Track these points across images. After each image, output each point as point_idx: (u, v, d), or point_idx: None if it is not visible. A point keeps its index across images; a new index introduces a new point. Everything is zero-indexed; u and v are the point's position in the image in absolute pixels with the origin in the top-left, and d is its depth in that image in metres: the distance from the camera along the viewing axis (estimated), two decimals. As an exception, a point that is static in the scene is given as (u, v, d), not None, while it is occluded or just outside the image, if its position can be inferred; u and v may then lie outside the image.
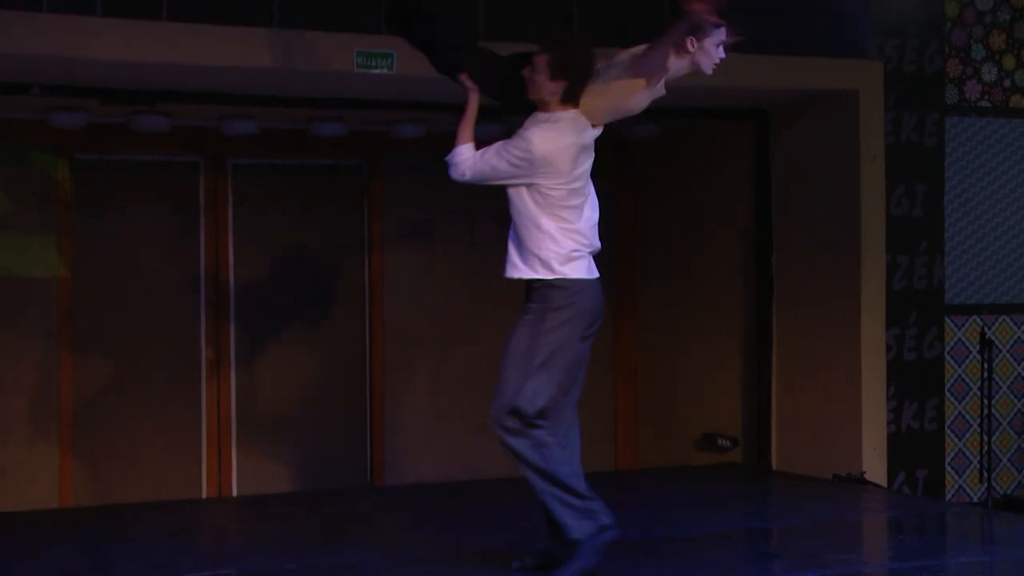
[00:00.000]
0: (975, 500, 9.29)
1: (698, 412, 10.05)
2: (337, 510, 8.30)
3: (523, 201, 5.89)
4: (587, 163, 5.93)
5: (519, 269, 5.92)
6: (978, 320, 9.35)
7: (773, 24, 9.54)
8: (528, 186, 5.86)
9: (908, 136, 9.11)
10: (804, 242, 9.27)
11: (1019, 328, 9.53)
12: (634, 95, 5.93)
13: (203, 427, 9.31)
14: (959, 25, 9.32)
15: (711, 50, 5.86)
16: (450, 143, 9.82)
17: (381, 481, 9.65)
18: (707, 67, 5.91)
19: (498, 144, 5.97)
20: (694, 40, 5.83)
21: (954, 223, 9.30)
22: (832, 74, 8.86)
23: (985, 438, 9.13)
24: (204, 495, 9.27)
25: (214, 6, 8.52)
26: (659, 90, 5.99)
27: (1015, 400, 9.53)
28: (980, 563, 6.60)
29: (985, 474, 9.10)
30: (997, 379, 9.32)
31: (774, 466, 9.40)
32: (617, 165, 10.27)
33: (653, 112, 8.64)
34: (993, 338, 9.27)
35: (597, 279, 5.97)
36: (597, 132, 5.98)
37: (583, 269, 5.90)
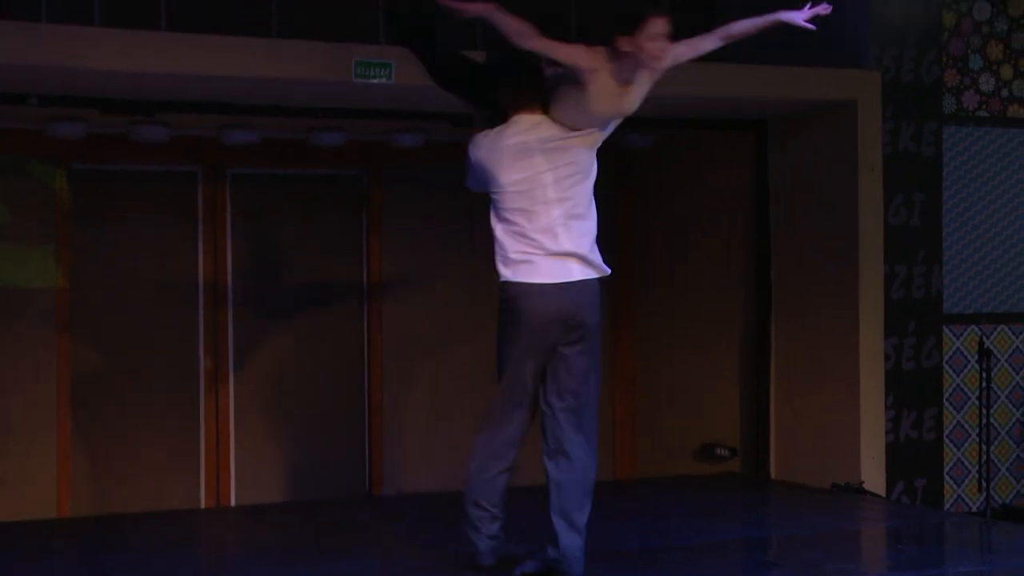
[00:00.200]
0: (974, 509, 9.29)
1: (697, 421, 10.05)
2: (335, 520, 8.29)
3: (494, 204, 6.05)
4: (534, 166, 5.92)
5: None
6: (976, 329, 9.36)
7: (771, 35, 9.57)
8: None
9: (906, 146, 9.12)
10: (803, 252, 9.28)
11: (1017, 337, 9.54)
12: (596, 102, 5.88)
13: (201, 436, 9.31)
14: (957, 35, 9.34)
15: (649, 45, 5.75)
16: (449, 152, 9.88)
17: (379, 491, 9.65)
18: (651, 63, 5.81)
19: None
20: (629, 41, 5.75)
21: (952, 232, 9.31)
22: (830, 84, 8.87)
23: (984, 447, 9.13)
24: (203, 505, 9.26)
25: (213, 16, 8.55)
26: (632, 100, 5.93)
27: (1013, 409, 9.53)
28: (979, 573, 6.60)
29: (984, 483, 9.10)
30: (995, 388, 9.33)
31: (773, 475, 9.39)
32: (616, 174, 10.28)
33: (652, 122, 8.69)
34: (991, 347, 9.28)
35: (555, 284, 5.85)
36: (565, 134, 5.93)
37: (529, 273, 5.84)
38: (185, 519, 8.57)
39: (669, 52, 5.79)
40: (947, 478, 9.30)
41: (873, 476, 8.85)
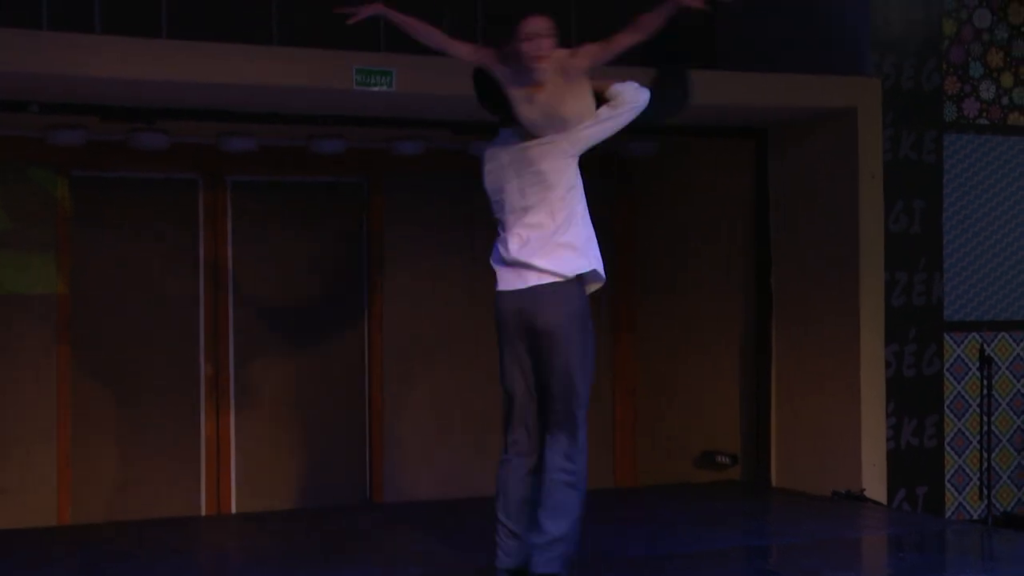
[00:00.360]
0: (975, 517, 9.28)
1: (697, 428, 10.05)
2: (336, 527, 8.29)
3: None
4: (503, 174, 6.02)
5: None
6: (977, 337, 9.36)
7: (772, 43, 9.60)
8: None
9: (906, 153, 9.12)
10: (804, 259, 9.28)
11: (1018, 345, 9.54)
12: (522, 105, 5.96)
13: (202, 443, 9.30)
14: (957, 43, 9.34)
15: (526, 45, 6.01)
16: (449, 160, 9.89)
17: (380, 498, 9.64)
18: (531, 63, 5.99)
19: None
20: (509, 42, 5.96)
21: (953, 240, 9.31)
22: (831, 92, 8.88)
23: (985, 455, 9.12)
24: (203, 512, 9.26)
25: (214, 24, 8.57)
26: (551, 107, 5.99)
27: (1015, 417, 9.53)
28: (980, 580, 6.60)
29: (985, 491, 9.09)
30: (996, 396, 9.32)
31: (773, 483, 9.39)
32: (618, 182, 10.30)
33: (653, 130, 8.68)
34: (992, 355, 9.27)
35: (510, 291, 5.96)
36: (529, 142, 6.00)
37: (498, 280, 6.05)
38: (186, 526, 8.57)
39: (548, 51, 6.00)
40: (948, 486, 9.30)
41: (874, 484, 8.85)
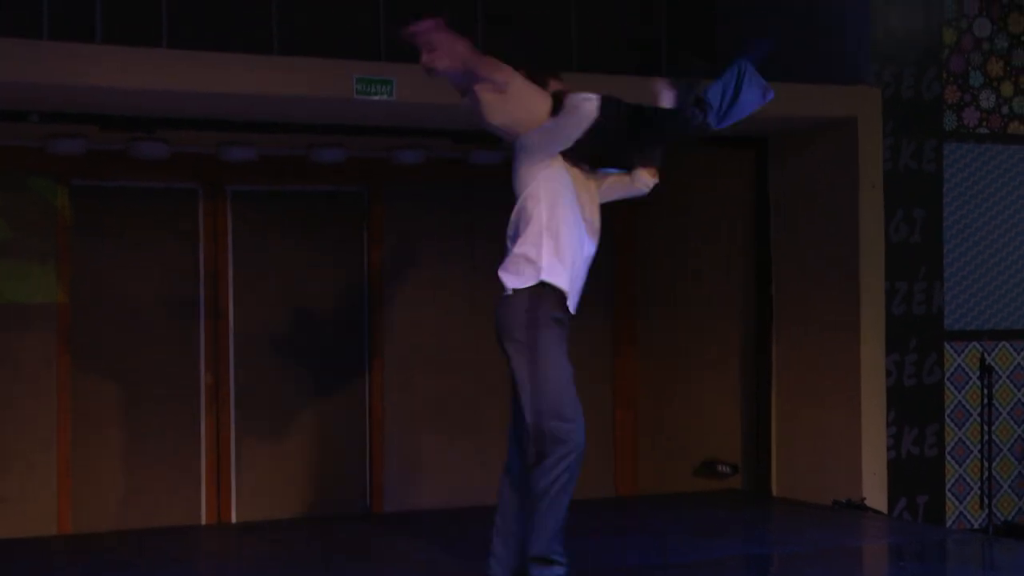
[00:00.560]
0: (976, 527, 9.27)
1: (698, 437, 10.04)
2: (336, 537, 8.28)
3: None
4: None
5: None
6: (978, 346, 9.35)
7: (772, 52, 9.59)
8: None
9: (906, 162, 9.12)
10: (804, 268, 9.28)
11: (1019, 354, 9.53)
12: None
13: (202, 453, 9.29)
14: (957, 52, 9.35)
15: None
16: (450, 169, 9.88)
17: (380, 508, 9.64)
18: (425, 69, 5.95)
19: None
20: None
21: (953, 249, 9.31)
22: (831, 101, 8.88)
23: (985, 464, 9.12)
24: (203, 521, 9.25)
25: (214, 33, 8.58)
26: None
27: (1015, 426, 9.52)
28: (981, 590, 6.59)
29: (986, 500, 9.08)
30: (997, 405, 9.32)
31: (774, 492, 9.38)
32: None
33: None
34: (993, 364, 9.27)
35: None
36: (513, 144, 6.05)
37: None
38: (186, 536, 8.56)
39: (438, 59, 5.86)
40: (949, 495, 9.29)
41: (875, 493, 8.84)
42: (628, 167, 6.22)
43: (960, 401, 9.32)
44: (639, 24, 10.03)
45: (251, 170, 9.19)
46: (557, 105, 5.98)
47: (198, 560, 7.82)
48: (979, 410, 9.20)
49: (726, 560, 7.28)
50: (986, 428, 9.10)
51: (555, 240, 5.85)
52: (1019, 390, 9.55)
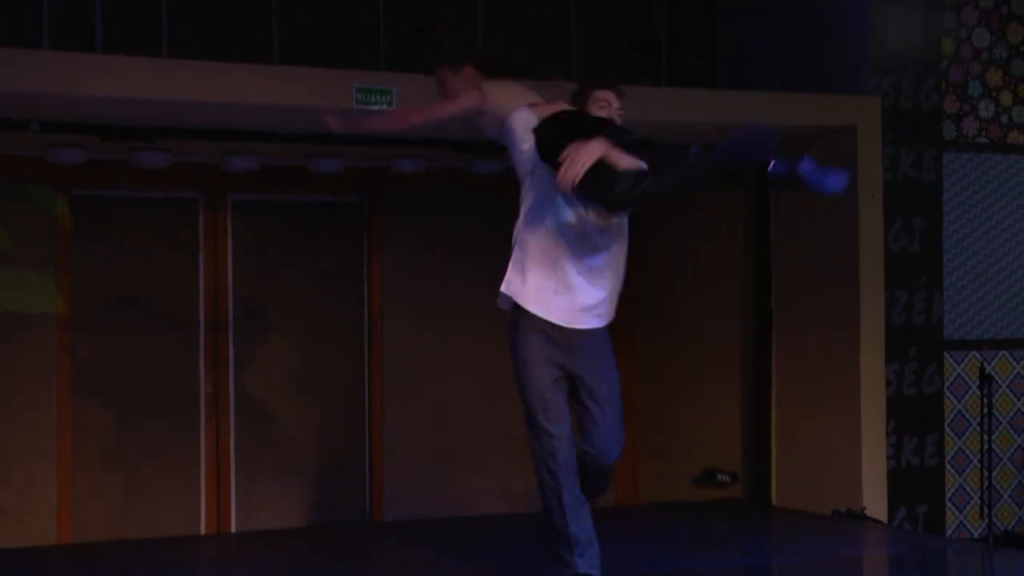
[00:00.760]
0: (976, 536, 9.27)
1: (697, 446, 10.03)
2: (336, 546, 8.27)
3: (623, 229, 5.98)
4: None
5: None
6: (977, 355, 9.35)
7: (772, 67, 9.63)
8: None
9: (906, 172, 9.13)
10: (803, 276, 9.28)
11: (1018, 363, 9.53)
12: None
13: (202, 462, 9.29)
14: (956, 62, 9.36)
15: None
16: (449, 179, 9.87)
17: (380, 517, 9.63)
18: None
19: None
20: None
21: (952, 258, 9.31)
22: (830, 110, 8.89)
23: (985, 474, 9.11)
24: (203, 531, 9.24)
25: (214, 43, 8.59)
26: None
27: (1015, 435, 9.51)
28: (981, 599, 6.59)
29: (986, 510, 9.07)
30: (997, 414, 9.31)
31: (774, 501, 9.37)
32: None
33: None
34: (992, 373, 9.27)
35: None
36: None
37: None
38: (186, 545, 8.55)
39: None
40: (949, 504, 9.28)
41: (875, 502, 8.83)
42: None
43: (960, 410, 9.32)
44: (639, 24, 10.05)
45: (251, 179, 9.20)
46: (580, 101, 5.94)
47: (198, 569, 7.81)
48: (979, 419, 9.20)
49: (726, 570, 7.27)
50: (986, 437, 9.10)
51: (522, 252, 5.82)
52: (1019, 399, 9.54)
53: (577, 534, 5.93)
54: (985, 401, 9.08)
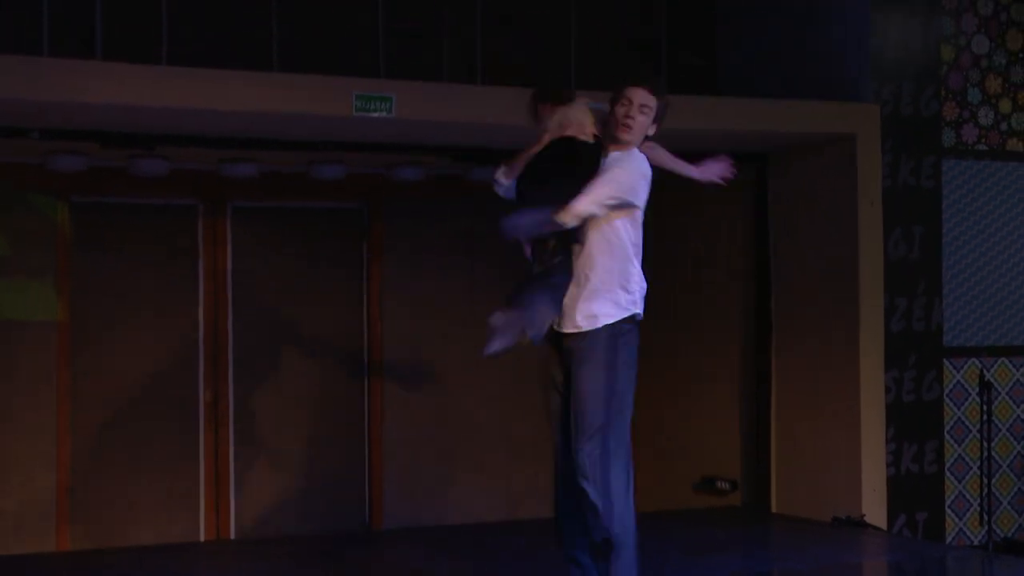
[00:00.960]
0: (976, 543, 9.26)
1: (697, 454, 10.03)
2: (335, 553, 8.27)
3: (619, 234, 5.88)
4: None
5: (603, 316, 5.88)
6: (977, 362, 9.35)
7: (771, 71, 9.64)
8: (622, 218, 5.86)
9: (905, 179, 9.14)
10: (802, 284, 9.28)
11: (1018, 370, 9.53)
12: None
13: (201, 469, 9.28)
14: (955, 69, 9.37)
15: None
16: (449, 186, 9.87)
17: (379, 524, 9.62)
18: None
19: (600, 180, 5.83)
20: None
21: (952, 265, 9.32)
22: (830, 118, 8.90)
23: (985, 480, 9.11)
24: (202, 538, 9.23)
25: (214, 42, 8.60)
26: None
27: (1015, 442, 9.51)
28: (981, 607, 6.58)
29: (985, 517, 9.07)
30: (996, 421, 9.31)
31: (774, 509, 9.37)
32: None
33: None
34: (992, 380, 9.27)
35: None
36: None
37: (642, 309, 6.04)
38: (185, 552, 8.55)
39: None
40: (948, 511, 9.28)
41: (874, 509, 8.83)
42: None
43: (959, 417, 9.32)
44: (639, 24, 10.06)
45: (251, 186, 9.20)
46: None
47: (197, 577, 7.81)
48: (978, 426, 9.20)
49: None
50: (985, 444, 9.10)
51: None
52: (1018, 406, 9.54)
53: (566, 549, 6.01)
54: (984, 408, 9.08)
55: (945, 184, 9.30)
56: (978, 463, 9.23)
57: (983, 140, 9.46)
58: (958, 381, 9.32)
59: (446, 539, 8.58)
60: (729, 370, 9.86)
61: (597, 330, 5.86)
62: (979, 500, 9.21)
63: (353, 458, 9.68)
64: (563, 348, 5.91)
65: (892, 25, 9.12)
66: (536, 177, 5.92)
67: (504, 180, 6.11)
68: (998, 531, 9.32)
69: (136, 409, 9.17)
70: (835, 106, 8.94)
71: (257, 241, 9.49)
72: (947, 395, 9.28)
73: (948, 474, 9.28)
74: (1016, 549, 9.14)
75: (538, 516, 9.41)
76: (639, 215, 5.93)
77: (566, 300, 5.88)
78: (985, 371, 9.29)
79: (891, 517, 8.98)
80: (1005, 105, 9.53)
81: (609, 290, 5.88)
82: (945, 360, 9.27)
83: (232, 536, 9.28)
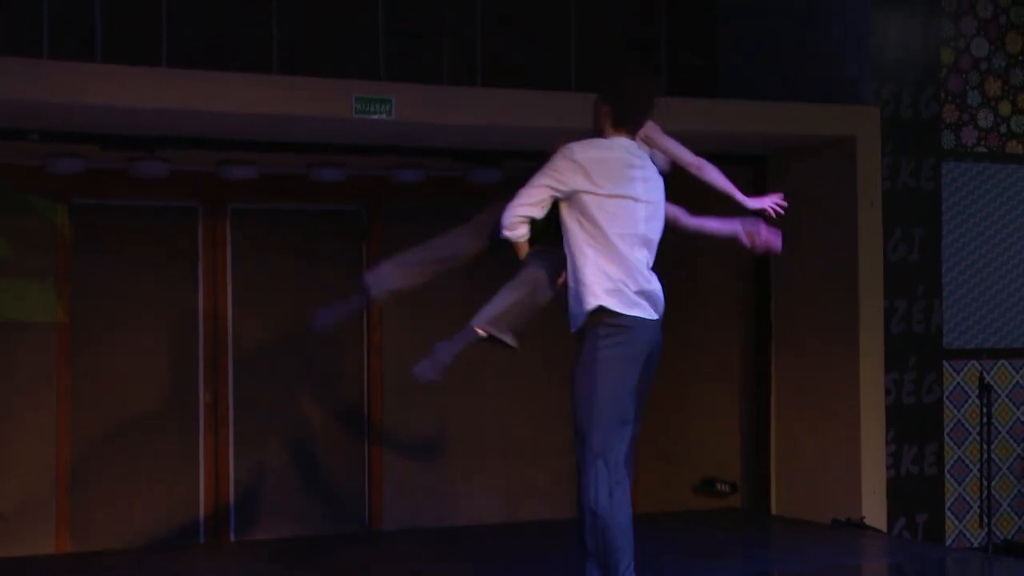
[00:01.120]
0: (975, 545, 9.26)
1: (697, 456, 10.03)
2: (335, 555, 8.27)
3: (569, 230, 5.79)
4: (636, 185, 5.82)
5: (573, 316, 5.85)
6: (976, 364, 9.35)
7: (771, 71, 9.64)
8: (572, 208, 5.75)
9: (905, 181, 9.14)
10: (803, 286, 9.28)
11: (1017, 372, 9.53)
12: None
13: (201, 471, 9.28)
14: (955, 71, 9.37)
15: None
16: (449, 188, 9.88)
17: (379, 526, 9.62)
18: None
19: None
20: None
21: (952, 267, 9.32)
22: (830, 120, 8.90)
23: (985, 483, 9.11)
24: (202, 540, 9.23)
25: (214, 52, 8.60)
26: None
27: (1014, 444, 9.51)
28: (980, 609, 6.58)
29: (985, 519, 9.07)
30: (996, 423, 9.31)
31: (773, 511, 9.37)
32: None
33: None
34: (992, 382, 9.27)
35: (652, 320, 5.88)
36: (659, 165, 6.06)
37: (637, 307, 5.80)
38: (185, 555, 8.55)
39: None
40: (948, 513, 9.28)
41: (874, 511, 8.83)
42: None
43: (959, 419, 9.32)
44: (639, 24, 10.07)
45: (251, 188, 9.20)
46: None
47: (197, 579, 7.81)
48: (978, 428, 9.20)
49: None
50: (985, 446, 9.10)
51: None
52: (1018, 408, 9.54)
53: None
54: (984, 410, 9.08)
55: (945, 186, 9.30)
56: (978, 465, 9.23)
57: (983, 142, 9.46)
58: (958, 383, 9.32)
59: (446, 540, 8.58)
60: (729, 371, 9.86)
61: (576, 332, 5.85)
62: (979, 502, 9.21)
63: (353, 459, 9.67)
64: None
65: (892, 27, 9.12)
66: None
67: None
68: (998, 533, 9.32)
69: (136, 410, 9.17)
70: (835, 108, 8.94)
71: (257, 243, 9.49)
72: (947, 397, 9.28)
73: (948, 476, 9.28)
74: (1016, 551, 9.14)
75: (538, 517, 9.42)
76: (599, 201, 5.71)
77: None
78: (985, 373, 9.29)
79: (891, 519, 8.98)
80: (1004, 107, 9.53)
81: (574, 289, 5.82)
82: (945, 362, 9.27)
83: (232, 538, 9.28)
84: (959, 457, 9.31)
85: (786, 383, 9.37)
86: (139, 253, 9.24)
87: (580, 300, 5.77)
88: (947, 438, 9.28)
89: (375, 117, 7.73)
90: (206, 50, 8.70)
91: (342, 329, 9.67)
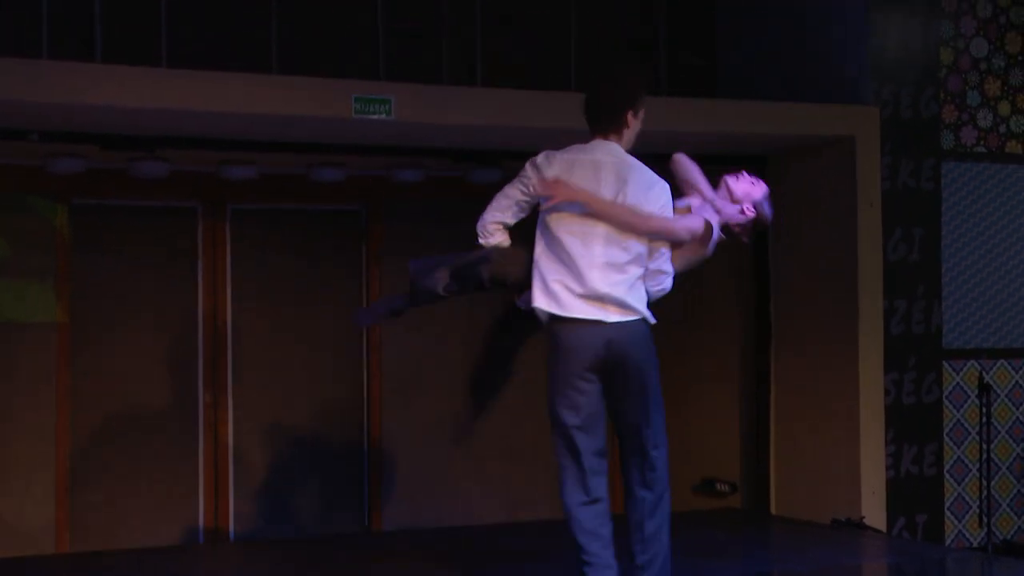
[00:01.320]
0: (975, 545, 9.27)
1: (697, 456, 10.03)
2: (334, 555, 8.27)
3: (536, 236, 5.89)
4: (604, 187, 5.83)
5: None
6: (976, 364, 9.35)
7: (771, 71, 9.65)
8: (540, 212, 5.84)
9: (905, 181, 9.14)
10: (802, 286, 9.28)
11: (1017, 372, 9.53)
12: None
13: (200, 471, 9.28)
14: (955, 71, 9.37)
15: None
16: (449, 188, 9.89)
17: (379, 526, 9.62)
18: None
19: None
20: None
21: (951, 268, 9.32)
22: (829, 120, 8.91)
23: (984, 483, 9.12)
24: (202, 540, 9.23)
25: (214, 52, 8.60)
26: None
27: (1014, 444, 9.52)
28: (980, 609, 6.58)
29: (985, 519, 9.08)
30: (996, 423, 9.32)
31: (773, 511, 9.37)
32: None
33: (652, 157, 8.73)
34: (991, 382, 9.27)
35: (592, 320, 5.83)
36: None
37: (573, 309, 5.81)
38: (184, 554, 8.55)
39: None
40: (948, 514, 9.28)
41: (874, 512, 8.83)
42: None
43: (959, 419, 9.33)
44: (639, 24, 10.07)
45: (250, 189, 9.20)
46: None
47: (196, 579, 7.81)
48: (978, 428, 9.20)
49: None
50: (985, 447, 9.11)
51: None
52: (1017, 408, 9.55)
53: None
54: (984, 410, 9.08)
55: (945, 186, 9.30)
56: (977, 465, 9.23)
57: (982, 142, 9.46)
58: (957, 383, 9.33)
59: (446, 540, 8.58)
60: (729, 372, 9.87)
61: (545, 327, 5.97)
62: (978, 502, 9.21)
63: (353, 460, 9.68)
64: None
65: (892, 27, 9.12)
66: None
67: None
68: (997, 533, 9.32)
69: (136, 410, 9.17)
70: (835, 108, 8.95)
71: (256, 243, 9.49)
72: (946, 397, 9.29)
73: (947, 476, 9.28)
74: (1015, 551, 9.14)
75: (538, 518, 9.42)
76: (562, 204, 5.78)
77: None
78: (984, 373, 9.29)
79: (890, 519, 8.98)
80: (1004, 108, 9.53)
81: None
82: (944, 362, 9.27)
83: (231, 538, 9.28)
84: (959, 457, 9.32)
85: (786, 383, 9.37)
86: (139, 253, 9.24)
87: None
88: (947, 438, 9.28)
89: (375, 117, 7.73)
90: (206, 50, 8.70)
91: (341, 329, 9.69)
